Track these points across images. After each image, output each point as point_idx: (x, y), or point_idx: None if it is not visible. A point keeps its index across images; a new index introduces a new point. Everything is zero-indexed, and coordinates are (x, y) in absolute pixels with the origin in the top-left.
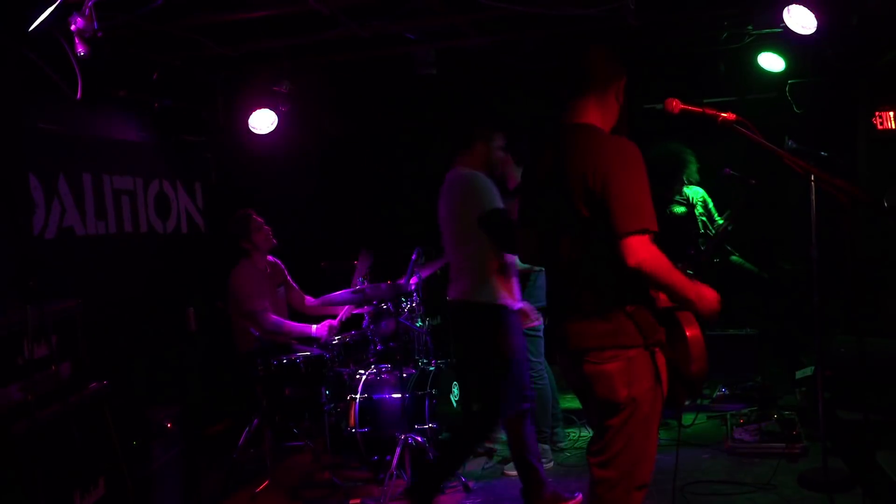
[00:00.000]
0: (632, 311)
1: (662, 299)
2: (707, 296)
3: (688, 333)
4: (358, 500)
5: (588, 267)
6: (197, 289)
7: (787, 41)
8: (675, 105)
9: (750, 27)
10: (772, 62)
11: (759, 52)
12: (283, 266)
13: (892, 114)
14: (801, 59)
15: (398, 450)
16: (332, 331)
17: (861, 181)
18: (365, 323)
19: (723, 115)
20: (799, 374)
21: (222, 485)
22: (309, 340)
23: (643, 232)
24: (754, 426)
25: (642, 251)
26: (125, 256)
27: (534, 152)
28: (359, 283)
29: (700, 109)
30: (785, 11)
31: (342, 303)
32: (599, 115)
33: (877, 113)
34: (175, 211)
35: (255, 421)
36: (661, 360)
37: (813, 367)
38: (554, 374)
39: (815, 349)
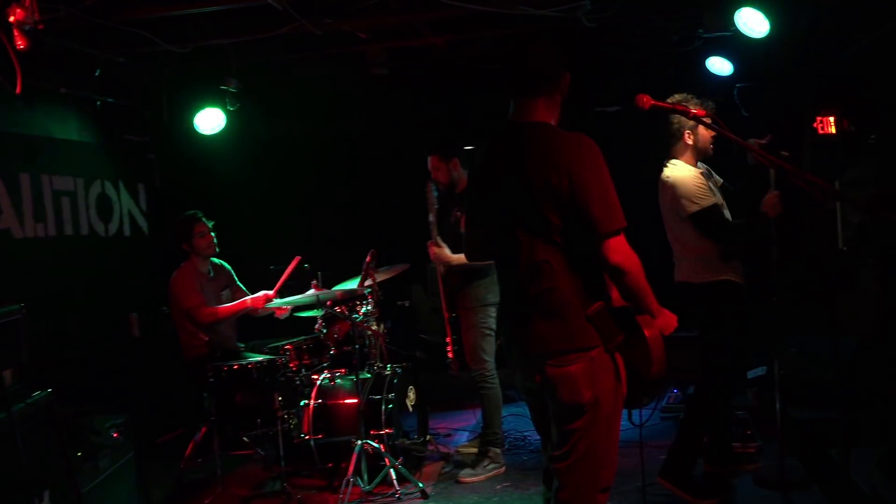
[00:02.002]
0: (592, 314)
1: (615, 298)
2: (670, 320)
3: (647, 334)
4: None
5: (550, 269)
6: (140, 294)
7: (736, 45)
8: (646, 101)
9: (701, 30)
10: (720, 66)
11: (708, 55)
12: (229, 269)
13: (832, 119)
14: (749, 63)
15: (354, 456)
16: (269, 300)
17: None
18: (317, 327)
19: (693, 110)
20: (751, 374)
21: (170, 496)
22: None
23: (620, 231)
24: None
25: (622, 250)
26: (65, 260)
27: (482, 153)
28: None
29: (670, 105)
30: (737, 14)
31: (293, 304)
32: (550, 112)
33: (818, 118)
34: (117, 213)
35: (203, 429)
36: (620, 361)
37: (765, 367)
38: None
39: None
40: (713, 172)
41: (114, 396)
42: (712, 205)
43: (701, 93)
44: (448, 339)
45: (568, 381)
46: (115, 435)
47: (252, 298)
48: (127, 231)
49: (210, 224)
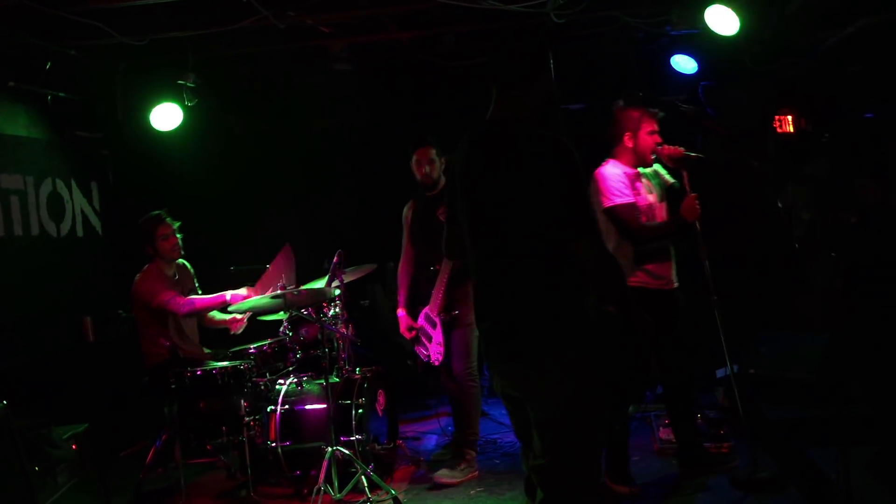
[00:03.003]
0: (580, 311)
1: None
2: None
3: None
4: None
5: (533, 268)
6: (95, 296)
7: (702, 43)
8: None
9: (668, 28)
10: (685, 63)
11: (673, 53)
12: (191, 272)
13: (790, 118)
14: (714, 62)
15: (325, 463)
16: (248, 298)
17: (771, 184)
18: (282, 330)
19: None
20: (720, 374)
21: None
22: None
23: (596, 231)
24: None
25: (598, 250)
26: (15, 261)
27: (463, 149)
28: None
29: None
30: (706, 11)
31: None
32: (531, 108)
33: (776, 117)
34: (70, 212)
35: (163, 437)
36: (595, 360)
37: (736, 366)
38: None
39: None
40: (661, 173)
41: (69, 405)
42: (627, 203)
43: (664, 90)
44: (440, 341)
45: (550, 385)
46: (73, 447)
47: (232, 294)
48: (80, 231)
49: (176, 225)
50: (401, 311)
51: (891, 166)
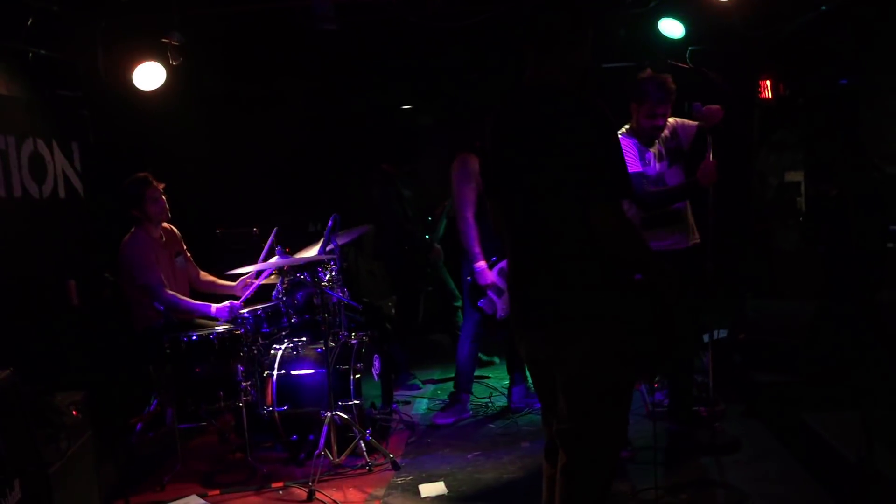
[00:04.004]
0: (610, 279)
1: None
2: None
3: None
4: (281, 483)
5: (566, 236)
6: (78, 259)
7: (691, 6)
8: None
9: None
10: (672, 28)
11: (660, 17)
12: (178, 234)
13: (769, 83)
14: (702, 26)
15: (325, 428)
16: (234, 312)
17: (753, 149)
18: (275, 294)
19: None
20: (706, 338)
21: (126, 474)
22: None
23: (617, 198)
24: (665, 391)
25: (618, 214)
26: None
27: (495, 116)
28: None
29: None
30: None
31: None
32: (567, 73)
33: (760, 83)
34: (51, 173)
35: (154, 402)
36: (623, 330)
37: (725, 330)
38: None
39: (724, 312)
40: (678, 136)
41: (58, 371)
42: (633, 174)
43: (650, 54)
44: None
45: (577, 350)
46: (74, 413)
47: (217, 308)
48: (62, 192)
49: (161, 187)
50: (481, 264)
51: (863, 132)
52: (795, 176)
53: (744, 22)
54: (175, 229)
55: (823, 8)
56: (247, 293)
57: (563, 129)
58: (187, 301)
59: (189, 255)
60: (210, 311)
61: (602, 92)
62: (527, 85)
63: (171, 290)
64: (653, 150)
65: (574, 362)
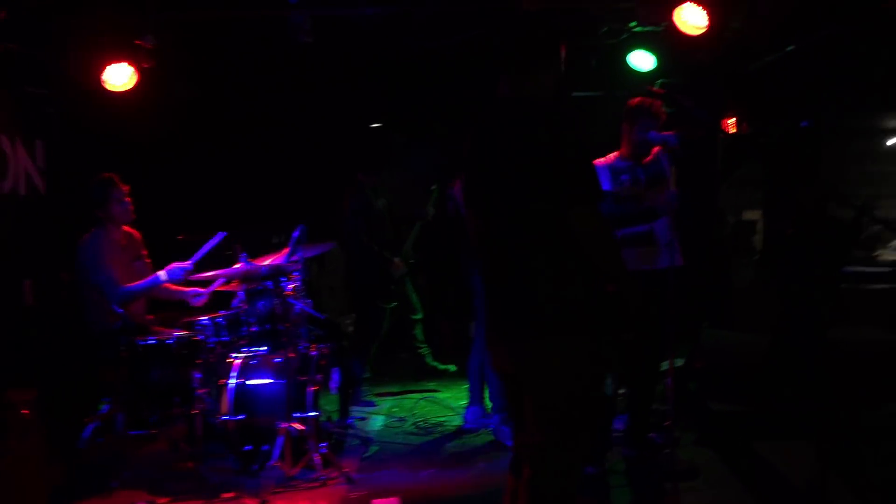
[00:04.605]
0: (572, 293)
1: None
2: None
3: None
4: (232, 494)
5: (537, 250)
6: (35, 258)
7: (662, 41)
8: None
9: (633, 23)
10: (642, 61)
11: (632, 49)
12: (139, 239)
13: (733, 120)
14: (672, 60)
15: (280, 439)
16: (188, 273)
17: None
18: (236, 301)
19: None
20: (665, 366)
21: (72, 479)
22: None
23: (595, 202)
24: (623, 416)
25: (597, 218)
26: None
27: (473, 131)
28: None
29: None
30: (677, 10)
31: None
32: (538, 93)
33: (724, 120)
34: (12, 170)
35: (106, 407)
36: (593, 344)
37: (682, 359)
38: None
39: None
40: (652, 163)
41: (10, 369)
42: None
43: (620, 86)
44: None
45: (548, 364)
46: (24, 412)
47: (166, 272)
48: (22, 190)
49: (126, 189)
50: None
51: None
52: (752, 214)
53: (713, 58)
54: (136, 234)
55: (790, 48)
56: (199, 301)
57: (536, 139)
58: (136, 284)
59: (148, 261)
60: (158, 278)
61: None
62: (501, 98)
63: None
64: (629, 174)
65: (542, 376)
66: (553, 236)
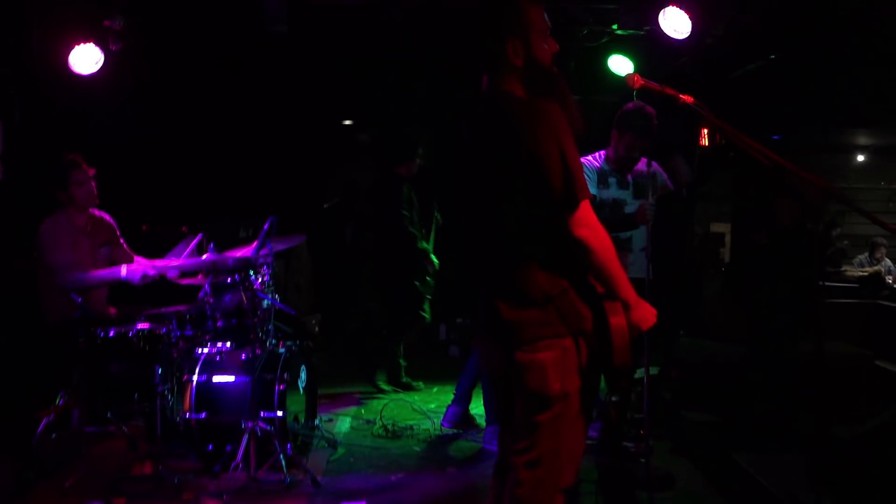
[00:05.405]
0: (555, 295)
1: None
2: (647, 314)
3: (611, 322)
4: (192, 495)
5: (523, 248)
6: None
7: (642, 45)
8: (637, 80)
9: (615, 26)
10: (620, 65)
11: (611, 53)
12: (112, 222)
13: (706, 131)
14: (651, 66)
15: (244, 439)
16: (146, 278)
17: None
18: (201, 294)
19: (682, 96)
20: (639, 374)
21: (23, 476)
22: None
23: (582, 202)
24: (598, 424)
25: (586, 223)
26: None
27: (463, 127)
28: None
29: (660, 88)
30: (661, 13)
31: (183, 270)
32: (517, 78)
33: (700, 130)
34: None
35: (62, 401)
36: (584, 350)
37: (656, 368)
38: None
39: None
40: (644, 173)
41: None
42: None
43: (599, 90)
44: None
45: (537, 369)
46: None
47: (127, 270)
48: None
49: (91, 173)
50: None
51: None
52: (720, 227)
53: (692, 65)
54: (108, 219)
55: (773, 56)
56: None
57: (518, 134)
58: (93, 274)
59: (125, 244)
60: (119, 273)
61: None
62: (485, 92)
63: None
64: (617, 177)
65: (534, 380)
66: (543, 234)
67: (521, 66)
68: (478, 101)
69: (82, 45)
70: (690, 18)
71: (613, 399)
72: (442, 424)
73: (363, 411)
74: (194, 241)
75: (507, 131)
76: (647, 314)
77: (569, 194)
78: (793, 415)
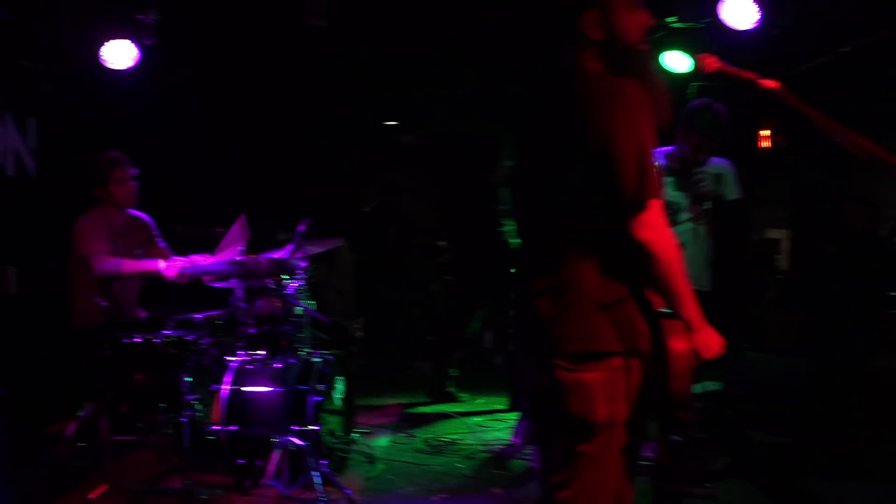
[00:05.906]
0: (619, 306)
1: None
2: (711, 341)
3: (671, 344)
4: None
5: (579, 249)
6: (21, 244)
7: (699, 39)
8: (710, 63)
9: (673, 18)
10: (677, 61)
11: (666, 49)
12: (149, 221)
13: (768, 132)
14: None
15: (275, 455)
16: (183, 272)
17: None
18: (234, 300)
19: (764, 81)
20: (698, 389)
21: (48, 486)
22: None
23: (652, 202)
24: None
25: (653, 226)
26: None
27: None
28: (234, 253)
29: (736, 71)
30: (723, 3)
31: (212, 274)
32: (598, 56)
33: (759, 131)
34: (0, 149)
35: (88, 409)
36: (637, 373)
37: (720, 384)
38: None
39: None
40: (706, 180)
41: None
42: None
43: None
44: None
45: (580, 390)
46: None
47: (166, 264)
48: (10, 170)
49: (133, 172)
50: None
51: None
52: (775, 233)
53: (756, 59)
54: (145, 218)
55: (842, 49)
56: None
57: (590, 114)
58: (129, 263)
59: (163, 244)
60: (157, 266)
61: None
62: (556, 70)
63: (120, 285)
64: (675, 177)
65: (577, 403)
66: (608, 232)
67: (600, 41)
68: (546, 81)
69: (116, 40)
70: (757, 6)
71: (668, 438)
72: (512, 440)
73: (404, 424)
74: (233, 251)
75: (576, 109)
76: (711, 342)
77: (640, 190)
78: (874, 437)
